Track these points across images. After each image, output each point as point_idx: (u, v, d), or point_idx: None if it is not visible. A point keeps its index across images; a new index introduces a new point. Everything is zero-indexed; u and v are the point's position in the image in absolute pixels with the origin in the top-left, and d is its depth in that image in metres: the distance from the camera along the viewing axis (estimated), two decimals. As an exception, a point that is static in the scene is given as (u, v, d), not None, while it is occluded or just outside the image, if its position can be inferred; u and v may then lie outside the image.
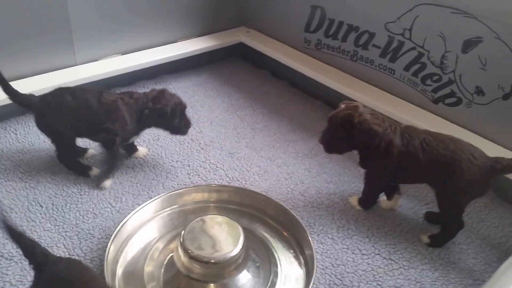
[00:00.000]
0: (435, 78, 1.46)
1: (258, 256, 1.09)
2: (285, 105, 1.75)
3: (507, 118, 1.15)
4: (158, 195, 1.23)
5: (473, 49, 1.33)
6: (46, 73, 1.64)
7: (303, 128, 1.62)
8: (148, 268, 1.05)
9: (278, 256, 1.11)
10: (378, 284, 1.07)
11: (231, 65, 2.03)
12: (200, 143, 1.52)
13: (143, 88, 1.79)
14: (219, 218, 1.07)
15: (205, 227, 1.05)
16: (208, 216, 1.08)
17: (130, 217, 1.12)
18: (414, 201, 1.32)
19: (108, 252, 1.03)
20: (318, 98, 1.79)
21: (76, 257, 1.09)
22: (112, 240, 1.06)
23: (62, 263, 0.83)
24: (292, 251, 1.13)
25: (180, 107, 1.32)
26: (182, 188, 1.26)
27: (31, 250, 0.80)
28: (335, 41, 1.73)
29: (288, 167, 1.43)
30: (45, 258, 0.80)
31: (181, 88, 1.81)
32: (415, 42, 1.48)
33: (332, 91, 1.70)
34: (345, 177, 1.40)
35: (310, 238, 1.10)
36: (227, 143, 1.53)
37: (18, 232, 0.80)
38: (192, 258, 0.98)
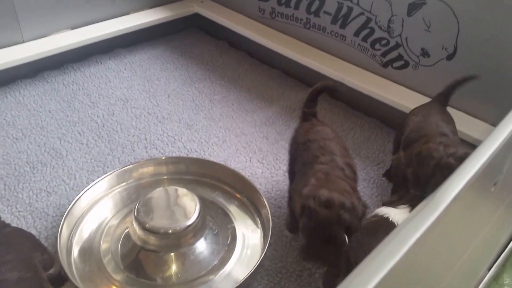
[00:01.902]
0: (383, 42, 1.48)
1: (216, 223, 1.10)
2: (243, 75, 1.75)
3: (452, 78, 1.19)
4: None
5: (418, 11, 1.35)
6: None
7: (261, 97, 1.62)
8: (104, 245, 1.05)
9: (236, 223, 1.13)
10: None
11: (188, 36, 1.99)
12: (157, 116, 1.50)
13: (98, 64, 1.74)
14: (174, 189, 1.07)
15: (160, 199, 1.04)
16: (163, 187, 1.08)
17: (83, 194, 1.11)
18: (366, 162, 1.36)
19: (61, 229, 1.02)
20: (275, 67, 1.79)
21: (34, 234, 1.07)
22: (65, 217, 1.04)
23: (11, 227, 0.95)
24: (250, 216, 1.15)
25: None
26: (137, 162, 1.24)
27: None
28: (288, 9, 1.72)
29: (246, 136, 1.43)
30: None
31: (136, 62, 1.77)
32: (362, 7, 1.49)
33: (288, 59, 1.70)
34: (302, 143, 1.42)
35: (266, 202, 1.11)
36: (185, 115, 1.51)
37: None
38: (147, 229, 0.98)
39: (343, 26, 1.58)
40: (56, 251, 0.99)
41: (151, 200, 1.04)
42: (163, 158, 1.27)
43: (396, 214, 0.92)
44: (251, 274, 0.95)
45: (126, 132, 1.43)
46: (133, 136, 1.41)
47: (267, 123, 1.50)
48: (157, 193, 1.05)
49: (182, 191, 1.07)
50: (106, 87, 1.63)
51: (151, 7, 1.92)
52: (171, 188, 1.07)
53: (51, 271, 0.92)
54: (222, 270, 1.01)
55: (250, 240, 1.09)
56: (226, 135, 1.43)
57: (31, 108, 1.50)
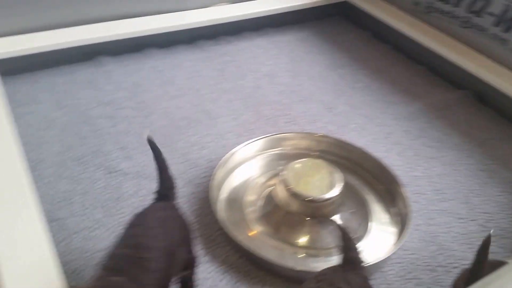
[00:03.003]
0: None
1: (353, 204, 1.13)
2: (387, 68, 1.73)
3: None
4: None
5: None
6: (156, 15, 1.74)
7: (404, 91, 1.59)
8: (248, 197, 1.13)
9: (371, 208, 1.14)
10: (469, 248, 1.07)
11: (334, 24, 2.02)
12: (299, 95, 1.56)
13: (248, 39, 1.84)
14: (321, 162, 1.12)
15: (307, 168, 1.10)
16: (311, 158, 1.13)
17: (238, 149, 1.21)
18: (518, 177, 1.27)
19: (214, 177, 1.12)
20: (422, 64, 1.74)
21: (184, 181, 1.19)
22: (217, 168, 1.15)
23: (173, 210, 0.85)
24: (385, 204, 1.15)
25: None
26: (286, 132, 1.31)
27: (164, 177, 0.87)
28: (447, 6, 1.65)
29: (387, 127, 1.43)
30: (168, 191, 0.87)
31: (283, 42, 1.85)
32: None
33: (437, 57, 1.64)
34: (445, 143, 1.38)
35: (405, 193, 1.10)
36: (326, 98, 1.55)
37: (161, 156, 0.88)
38: (291, 193, 1.04)
39: (507, 29, 1.47)
40: (207, 197, 1.10)
41: (299, 167, 1.09)
42: (310, 133, 1.32)
43: None
44: (385, 258, 0.96)
45: (270, 105, 1.50)
46: (276, 110, 1.48)
47: (409, 117, 1.47)
48: (305, 162, 1.11)
49: (328, 165, 1.11)
50: (254, 62, 1.73)
51: (302, -9, 1.98)
52: (319, 161, 1.12)
53: (185, 273, 0.87)
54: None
55: (384, 226, 1.10)
56: (365, 122, 1.44)
57: (187, 71, 1.65)
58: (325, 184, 1.06)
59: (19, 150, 1.07)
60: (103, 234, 1.01)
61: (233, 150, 1.21)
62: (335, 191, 1.04)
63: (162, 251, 0.72)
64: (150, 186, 1.15)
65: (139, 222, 0.76)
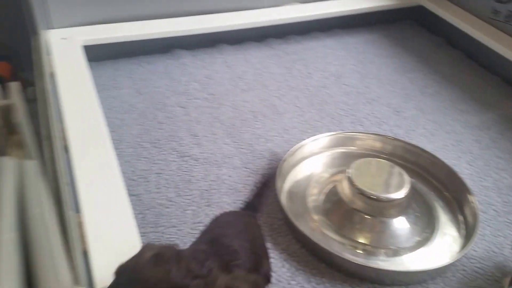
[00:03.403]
0: None
1: (419, 208, 1.12)
2: (459, 75, 1.69)
3: None
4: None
5: None
6: (229, 12, 1.81)
7: (476, 100, 1.55)
8: (311, 190, 1.16)
9: (437, 213, 1.13)
10: (541, 265, 1.03)
11: (405, 28, 1.99)
12: (366, 96, 1.56)
13: (316, 39, 1.86)
14: (389, 163, 1.12)
15: (374, 167, 1.11)
16: (378, 159, 1.14)
17: (305, 144, 1.24)
18: None
19: (280, 169, 1.15)
20: (496, 74, 1.68)
21: (249, 170, 1.24)
22: (285, 159, 1.18)
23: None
24: (452, 211, 1.13)
25: None
26: (354, 132, 1.32)
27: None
28: (531, 15, 1.59)
29: (457, 134, 1.40)
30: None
31: (352, 43, 1.85)
32: None
33: (515, 67, 1.58)
34: (518, 156, 1.33)
35: (474, 203, 1.08)
36: (394, 101, 1.54)
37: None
38: (356, 190, 1.05)
39: None
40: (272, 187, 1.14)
41: (366, 166, 1.10)
42: (380, 135, 1.32)
43: None
44: (450, 263, 0.95)
45: (335, 105, 1.52)
46: (341, 110, 1.50)
47: (480, 127, 1.43)
48: (373, 162, 1.12)
49: (396, 167, 1.11)
50: (321, 61, 1.75)
51: (375, -6, 1.98)
52: (386, 162, 1.13)
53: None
54: (416, 251, 1.03)
55: (449, 233, 1.08)
56: (435, 128, 1.42)
57: (256, 67, 1.70)
58: (392, 184, 1.07)
59: (106, 129, 1.16)
60: (175, 212, 1.08)
61: (301, 143, 1.24)
62: (402, 193, 1.04)
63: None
64: (217, 172, 1.21)
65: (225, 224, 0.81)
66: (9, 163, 0.90)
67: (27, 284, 0.68)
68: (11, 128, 1.12)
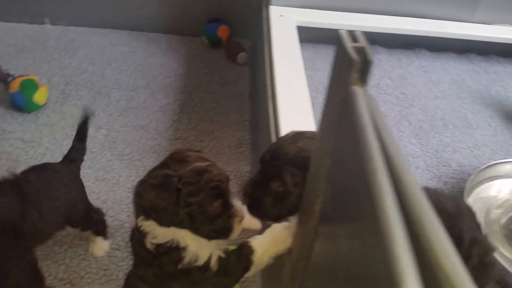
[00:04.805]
0: None
1: None
2: None
3: None
4: None
5: None
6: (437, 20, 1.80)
7: None
8: (493, 211, 1.14)
9: None
10: None
11: None
12: None
13: (500, 65, 1.76)
14: None
15: None
16: None
17: (499, 162, 1.21)
18: None
19: (470, 181, 1.15)
20: None
21: (432, 174, 1.26)
22: (477, 173, 1.17)
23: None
24: None
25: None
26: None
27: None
28: None
29: None
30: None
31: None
32: None
33: None
34: None
35: None
36: None
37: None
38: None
39: None
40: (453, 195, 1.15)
41: None
42: None
43: None
44: None
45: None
46: None
47: None
48: None
49: None
50: (526, 87, 1.65)
51: None
52: None
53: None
54: None
55: None
56: None
57: (453, 77, 1.68)
58: None
59: (310, 107, 1.28)
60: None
61: (494, 162, 1.21)
62: None
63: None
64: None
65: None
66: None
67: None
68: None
